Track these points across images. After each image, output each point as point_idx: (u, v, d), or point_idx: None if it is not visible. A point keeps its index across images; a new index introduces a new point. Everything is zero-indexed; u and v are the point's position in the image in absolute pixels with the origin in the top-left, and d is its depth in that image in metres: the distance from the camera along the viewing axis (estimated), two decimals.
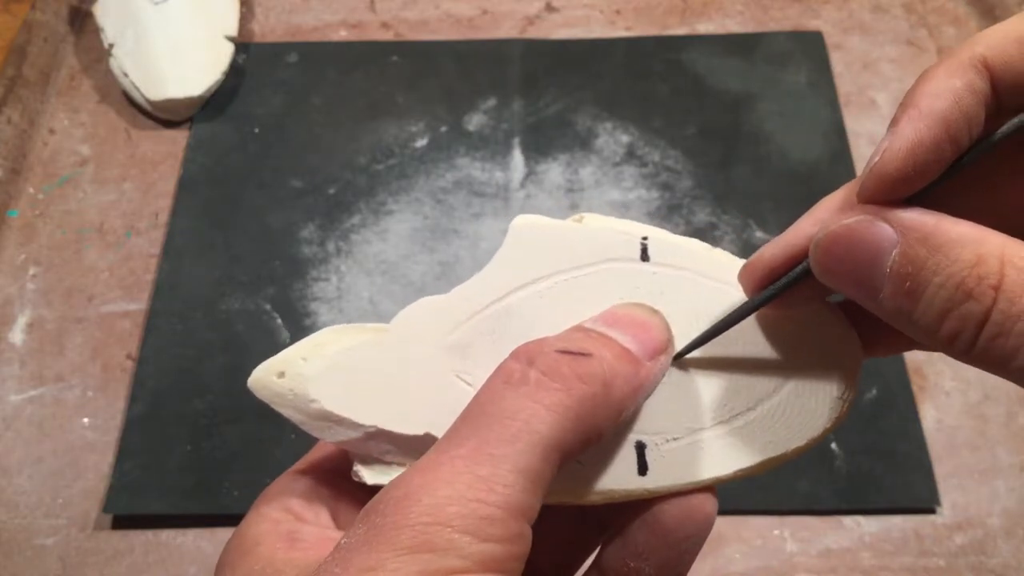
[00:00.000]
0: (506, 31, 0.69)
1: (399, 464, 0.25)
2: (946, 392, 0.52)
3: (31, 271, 0.58)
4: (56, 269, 0.58)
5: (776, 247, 0.23)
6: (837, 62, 0.67)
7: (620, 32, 0.69)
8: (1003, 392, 0.52)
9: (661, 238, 0.25)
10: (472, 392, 0.22)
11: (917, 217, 0.19)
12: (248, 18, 0.70)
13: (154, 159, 0.63)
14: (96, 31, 0.66)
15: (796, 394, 0.24)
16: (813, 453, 0.50)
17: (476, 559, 0.18)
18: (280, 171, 0.62)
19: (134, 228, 0.60)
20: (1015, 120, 0.19)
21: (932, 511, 0.48)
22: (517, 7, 0.71)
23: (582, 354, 0.22)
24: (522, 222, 0.25)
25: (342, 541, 0.19)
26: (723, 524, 0.48)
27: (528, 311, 0.24)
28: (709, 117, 0.63)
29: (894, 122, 0.20)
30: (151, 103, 0.63)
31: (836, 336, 0.24)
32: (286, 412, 0.24)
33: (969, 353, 0.19)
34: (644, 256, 0.25)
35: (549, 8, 0.71)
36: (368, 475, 0.25)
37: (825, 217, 0.22)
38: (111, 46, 0.64)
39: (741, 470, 0.24)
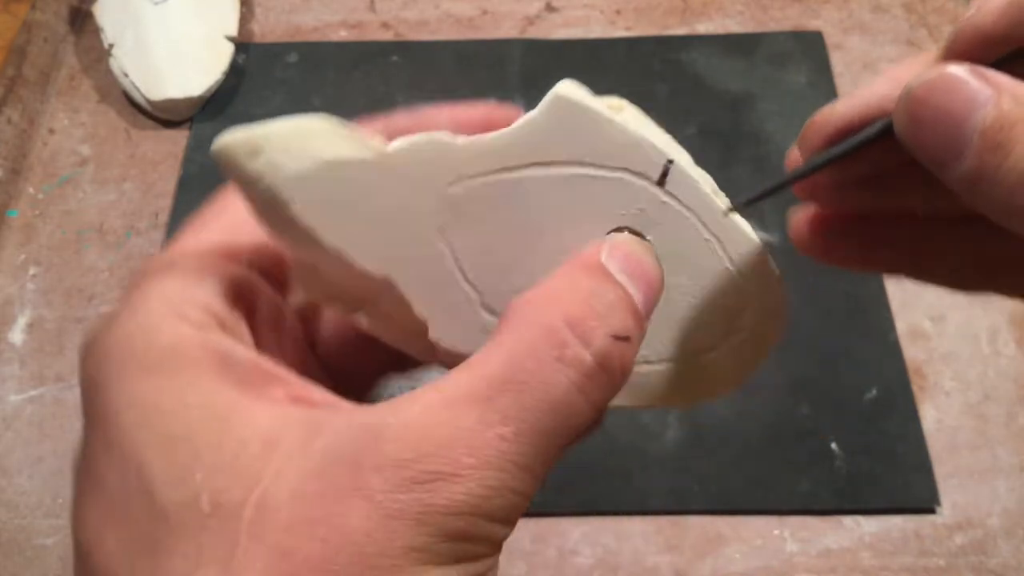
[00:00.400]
0: (506, 31, 0.69)
1: (342, 294, 0.23)
2: (946, 392, 0.52)
3: (31, 271, 0.58)
4: (56, 269, 0.58)
5: (849, 103, 0.22)
6: (837, 62, 0.67)
7: (620, 32, 0.69)
8: (1003, 392, 0.52)
9: (683, 168, 0.24)
10: (448, 257, 0.22)
11: (1009, 79, 0.19)
12: (248, 18, 0.70)
13: (154, 159, 0.63)
14: (96, 31, 0.66)
15: (731, 346, 0.25)
16: (813, 453, 0.50)
17: (499, 545, 0.19)
18: None
19: (134, 228, 0.60)
20: None
21: (932, 511, 0.48)
22: (517, 7, 0.71)
23: (626, 339, 0.21)
24: (565, 93, 0.23)
25: (324, 457, 0.18)
26: (723, 524, 0.48)
27: (536, 195, 0.23)
28: (709, 117, 0.63)
29: None
30: (151, 103, 0.63)
31: (770, 287, 0.25)
32: (246, 197, 0.21)
33: None
34: (662, 180, 0.23)
35: (549, 8, 0.71)
36: (309, 288, 0.23)
37: (904, 77, 0.21)
38: (111, 46, 0.64)
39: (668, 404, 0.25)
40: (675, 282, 0.24)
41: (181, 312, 0.20)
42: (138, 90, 0.63)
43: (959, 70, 0.19)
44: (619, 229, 0.23)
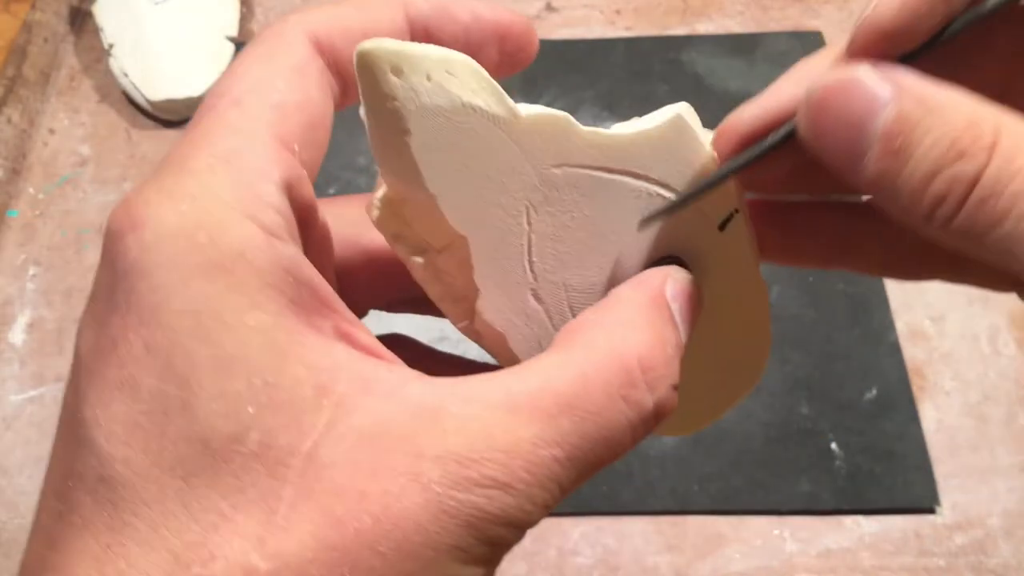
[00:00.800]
0: None
1: (410, 236, 0.22)
2: (946, 392, 0.52)
3: (31, 271, 0.58)
4: (56, 269, 0.58)
5: (755, 108, 0.22)
6: None
7: (620, 32, 0.69)
8: (1003, 392, 0.52)
9: (739, 219, 0.24)
10: (524, 235, 0.22)
11: (912, 77, 0.18)
12: (248, 18, 0.70)
13: (154, 159, 0.63)
14: (96, 31, 0.66)
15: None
16: (813, 453, 0.50)
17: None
18: None
19: None
20: None
21: (932, 511, 0.48)
22: (517, 7, 0.71)
23: (677, 388, 0.21)
24: (687, 117, 0.23)
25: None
26: (723, 524, 0.48)
27: (620, 202, 0.23)
28: (709, 117, 0.63)
29: None
30: (151, 103, 0.63)
31: (759, 329, 0.25)
32: (370, 110, 0.20)
33: (951, 221, 0.18)
34: (723, 225, 0.24)
35: (549, 8, 0.71)
36: (381, 219, 0.22)
37: (810, 76, 0.20)
38: (111, 46, 0.64)
39: None
40: None
41: (250, 210, 0.18)
42: (138, 90, 0.63)
43: (859, 71, 0.19)
44: (671, 258, 0.24)
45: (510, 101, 0.21)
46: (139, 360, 0.17)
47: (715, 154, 0.23)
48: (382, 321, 0.27)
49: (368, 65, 0.19)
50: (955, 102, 0.18)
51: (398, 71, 0.19)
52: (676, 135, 0.23)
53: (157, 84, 0.63)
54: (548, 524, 0.48)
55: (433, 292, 0.24)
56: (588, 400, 0.19)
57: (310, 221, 0.21)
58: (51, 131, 0.65)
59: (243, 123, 0.19)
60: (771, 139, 0.21)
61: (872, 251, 0.24)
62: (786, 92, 0.21)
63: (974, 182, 0.18)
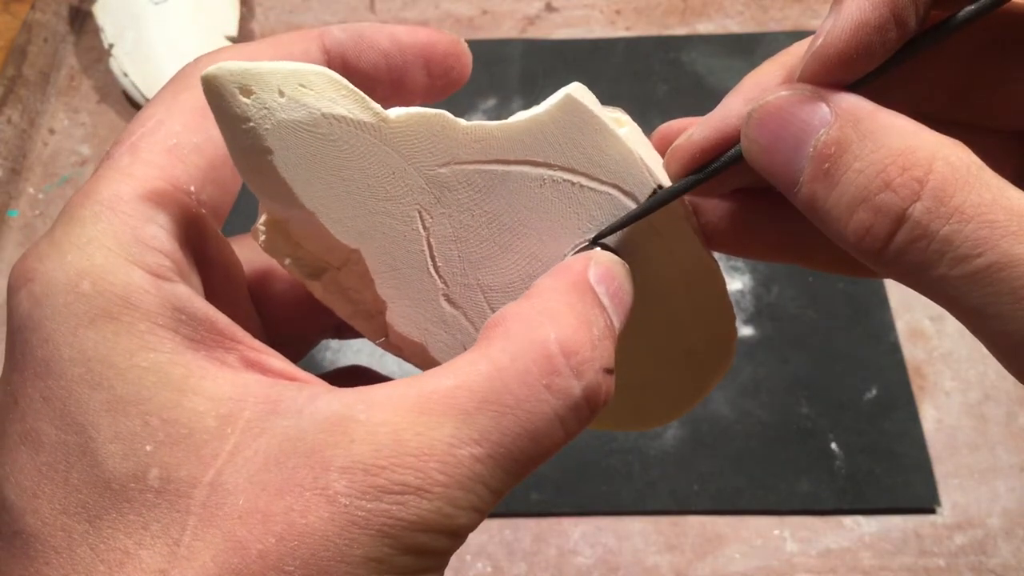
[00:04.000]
0: (506, 31, 0.69)
1: (304, 257, 0.22)
2: (946, 392, 0.52)
3: None
4: None
5: (705, 128, 0.21)
6: None
7: (620, 32, 0.69)
8: (1003, 392, 0.52)
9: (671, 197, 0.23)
10: (422, 241, 0.21)
11: (855, 101, 0.18)
12: (248, 18, 0.70)
13: None
14: (96, 31, 0.66)
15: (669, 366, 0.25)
16: (813, 453, 0.50)
17: (450, 556, 0.18)
18: None
19: None
20: (973, 7, 0.18)
21: (932, 511, 0.48)
22: (517, 7, 0.71)
23: (611, 371, 0.20)
24: (577, 96, 0.22)
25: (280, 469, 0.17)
26: (723, 524, 0.48)
27: (520, 193, 0.22)
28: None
29: (837, 1, 0.18)
30: None
31: (722, 319, 0.25)
32: (226, 134, 0.19)
33: (881, 254, 0.17)
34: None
35: (549, 8, 0.71)
36: (269, 243, 0.21)
37: (755, 95, 0.20)
38: (111, 46, 0.64)
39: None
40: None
41: (134, 254, 0.18)
42: (138, 90, 0.63)
43: (798, 92, 0.19)
44: (588, 244, 0.23)
45: (376, 105, 0.20)
46: (38, 412, 0.17)
47: (622, 129, 0.23)
48: (371, 353, 0.27)
49: (214, 89, 0.19)
50: (894, 127, 0.17)
51: (247, 91, 0.19)
52: (570, 117, 0.22)
53: (157, 84, 0.63)
54: (548, 524, 0.48)
55: (343, 311, 0.23)
56: (506, 393, 0.18)
57: (212, 258, 0.21)
58: (51, 131, 0.65)
59: (134, 168, 0.20)
60: (721, 160, 0.21)
61: (822, 248, 0.23)
62: (733, 110, 0.21)
63: (900, 219, 0.17)
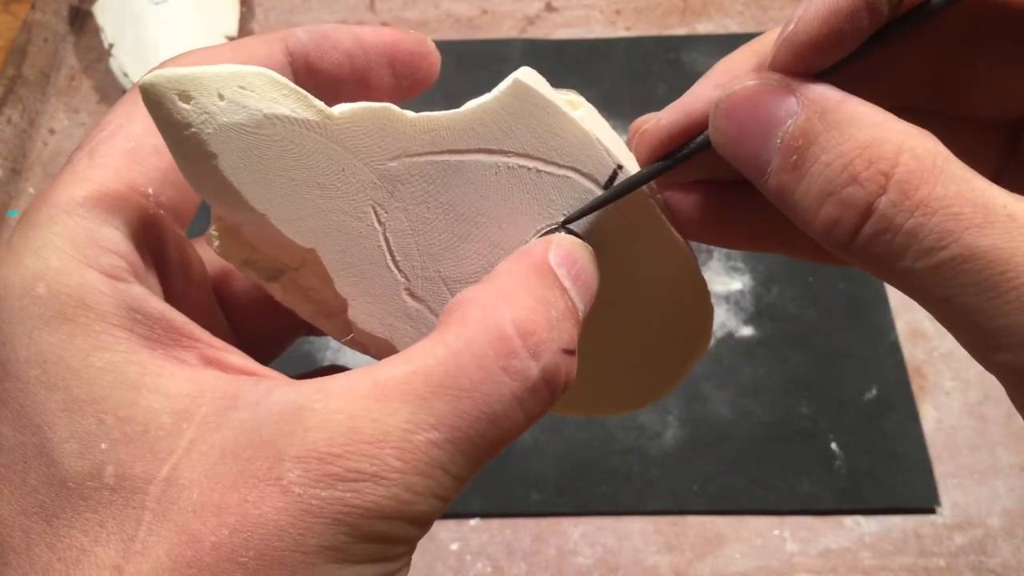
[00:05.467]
0: (506, 31, 0.69)
1: (261, 260, 0.22)
2: (946, 392, 0.52)
3: None
4: None
5: (674, 112, 0.21)
6: None
7: (620, 32, 0.69)
8: (1003, 392, 0.52)
9: (630, 174, 0.23)
10: (378, 236, 0.21)
11: (822, 91, 0.18)
12: (248, 18, 0.70)
13: None
14: (96, 31, 0.66)
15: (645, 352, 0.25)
16: (813, 453, 0.50)
17: (414, 544, 0.18)
18: None
19: None
20: None
21: (932, 511, 0.48)
22: (517, 7, 0.71)
23: (572, 352, 0.20)
24: (525, 80, 0.21)
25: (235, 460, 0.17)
26: (723, 524, 0.48)
27: (476, 182, 0.22)
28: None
29: None
30: None
31: (697, 300, 0.24)
32: (169, 141, 0.19)
33: (849, 247, 0.17)
34: (608, 184, 0.23)
35: (549, 8, 0.71)
36: (223, 247, 0.21)
37: (725, 81, 0.20)
38: (111, 46, 0.64)
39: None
40: (604, 289, 0.23)
41: (89, 256, 0.18)
42: None
43: (765, 81, 0.18)
44: (556, 227, 0.22)
45: (319, 103, 0.20)
46: None
47: (577, 111, 0.22)
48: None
49: (153, 97, 0.19)
50: (861, 118, 0.17)
51: (186, 97, 0.19)
52: (520, 102, 0.21)
53: None
54: (548, 524, 0.48)
55: (305, 312, 0.23)
56: (462, 377, 0.18)
57: (171, 259, 0.21)
58: (51, 131, 0.65)
59: (91, 172, 0.20)
60: (690, 147, 0.21)
61: (798, 236, 0.23)
62: (703, 96, 0.21)
63: (867, 212, 0.17)
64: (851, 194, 0.17)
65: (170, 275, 0.21)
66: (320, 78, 0.23)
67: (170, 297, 0.20)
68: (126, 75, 0.64)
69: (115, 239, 0.19)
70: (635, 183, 0.22)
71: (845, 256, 0.18)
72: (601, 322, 0.23)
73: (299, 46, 0.23)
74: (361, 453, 0.17)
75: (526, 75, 0.22)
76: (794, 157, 0.18)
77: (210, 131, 0.19)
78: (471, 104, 0.21)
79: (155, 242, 0.20)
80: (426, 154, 0.21)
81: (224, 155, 0.19)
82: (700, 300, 0.25)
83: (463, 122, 0.21)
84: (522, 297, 0.19)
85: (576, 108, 0.22)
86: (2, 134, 0.62)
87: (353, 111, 0.20)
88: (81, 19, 0.70)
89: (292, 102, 0.20)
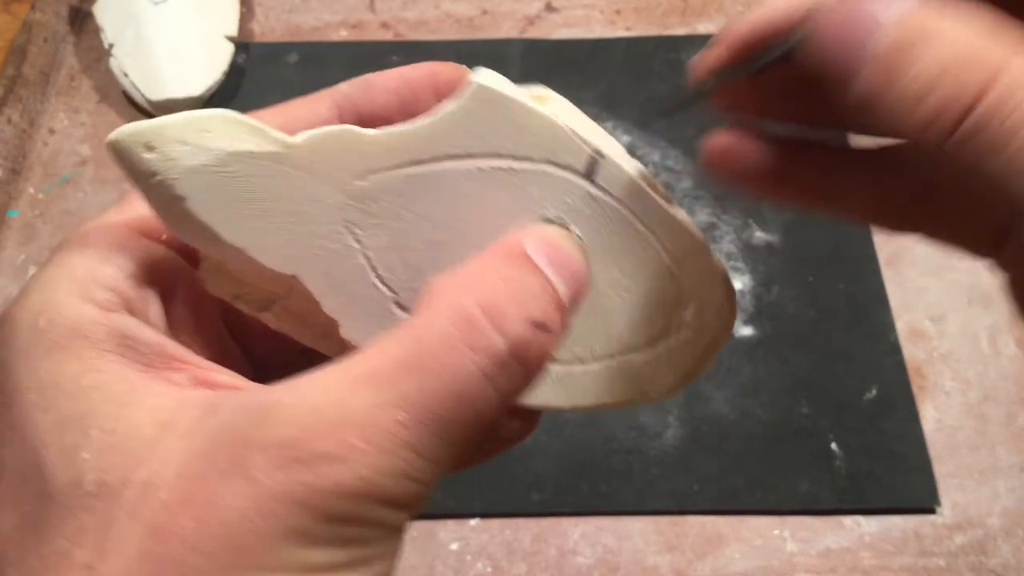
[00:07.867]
0: (506, 31, 0.69)
1: (249, 292, 0.22)
2: (946, 392, 0.52)
3: (31, 271, 0.58)
4: None
5: (756, 17, 0.21)
6: None
7: (620, 32, 0.69)
8: (1003, 392, 0.52)
9: (613, 160, 0.23)
10: (358, 254, 0.21)
11: (922, 1, 0.18)
12: (248, 18, 0.70)
13: None
14: (96, 31, 0.66)
15: (668, 349, 0.25)
16: (813, 453, 0.50)
17: (396, 529, 0.18)
18: None
19: None
20: None
21: (932, 511, 0.48)
22: (517, 7, 0.71)
23: (545, 328, 0.19)
24: (484, 82, 0.21)
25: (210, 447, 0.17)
26: (723, 524, 0.48)
27: (449, 190, 0.22)
28: (709, 117, 0.63)
29: None
30: (151, 103, 0.63)
31: (713, 283, 0.24)
32: (141, 191, 0.20)
33: (946, 140, 0.17)
34: (589, 172, 0.22)
35: (549, 8, 0.71)
36: (212, 285, 0.22)
37: None
38: (111, 46, 0.64)
39: (604, 404, 0.25)
40: (607, 277, 0.23)
41: (86, 291, 0.20)
42: (138, 90, 0.63)
43: None
44: (543, 223, 0.22)
45: (279, 134, 0.21)
46: (3, 441, 0.19)
47: (546, 105, 0.22)
48: None
49: (120, 152, 0.20)
50: (960, 31, 0.17)
51: (150, 147, 0.20)
52: (484, 105, 0.21)
53: (157, 84, 0.63)
54: (548, 524, 0.48)
55: (301, 336, 0.23)
56: (428, 357, 0.18)
57: (179, 293, 0.22)
58: (51, 131, 0.65)
59: (110, 218, 0.22)
60: (769, 54, 0.20)
61: (857, 194, 0.23)
62: (788, 3, 0.21)
63: (979, 97, 0.17)
64: (962, 79, 0.17)
65: (177, 308, 0.22)
66: (374, 119, 0.24)
67: (177, 328, 0.22)
68: (126, 75, 0.64)
69: (115, 276, 0.20)
70: (714, 85, 0.22)
71: (935, 151, 0.18)
72: (616, 315, 0.23)
73: (345, 99, 0.24)
74: (323, 435, 0.17)
75: (486, 77, 0.22)
76: (898, 53, 0.17)
77: (175, 176, 0.20)
78: (436, 113, 0.22)
79: (162, 279, 0.22)
80: (391, 168, 0.21)
81: (193, 196, 0.20)
82: (717, 280, 0.24)
83: (425, 132, 0.22)
84: (490, 279, 0.19)
85: (544, 101, 0.22)
86: (2, 134, 0.62)
87: (311, 137, 0.21)
88: (81, 19, 0.70)
89: (253, 137, 0.20)
